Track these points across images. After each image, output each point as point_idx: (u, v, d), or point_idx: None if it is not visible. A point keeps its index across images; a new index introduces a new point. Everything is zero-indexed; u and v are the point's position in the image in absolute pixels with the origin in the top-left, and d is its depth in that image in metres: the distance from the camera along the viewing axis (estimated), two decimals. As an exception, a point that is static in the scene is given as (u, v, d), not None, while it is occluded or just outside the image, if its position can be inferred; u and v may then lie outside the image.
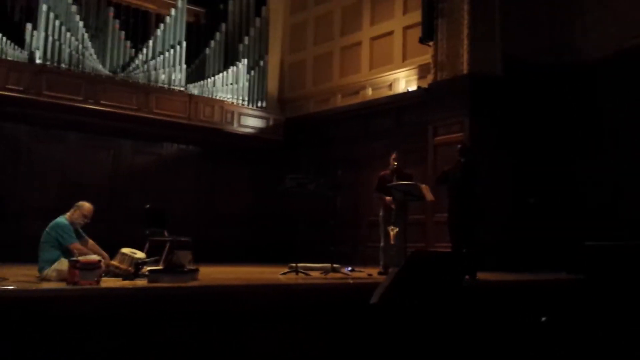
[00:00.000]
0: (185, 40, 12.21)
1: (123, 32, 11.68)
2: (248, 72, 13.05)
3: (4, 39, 10.20)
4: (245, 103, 12.99)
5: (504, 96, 9.53)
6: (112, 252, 6.01)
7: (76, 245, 5.68)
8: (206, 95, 12.46)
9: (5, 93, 10.01)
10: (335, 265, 7.17)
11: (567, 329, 5.90)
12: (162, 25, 12.07)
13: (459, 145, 7.78)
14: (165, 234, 7.79)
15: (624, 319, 5.98)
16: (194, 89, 12.33)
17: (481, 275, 6.67)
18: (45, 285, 5.03)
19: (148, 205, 8.33)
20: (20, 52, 10.38)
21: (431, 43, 10.24)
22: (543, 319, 5.57)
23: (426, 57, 10.58)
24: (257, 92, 13.18)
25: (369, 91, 12.25)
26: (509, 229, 9.14)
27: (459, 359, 5.04)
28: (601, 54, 9.34)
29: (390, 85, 11.83)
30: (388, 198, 7.65)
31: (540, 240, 9.03)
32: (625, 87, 9.03)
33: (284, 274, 6.88)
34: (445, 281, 4.51)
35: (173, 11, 12.18)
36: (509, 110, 9.53)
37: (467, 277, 6.15)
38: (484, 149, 9.05)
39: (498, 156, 9.23)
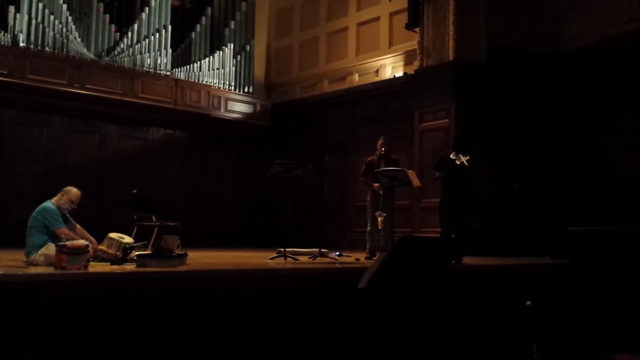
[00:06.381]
0: (171, 24, 12.10)
1: (107, 16, 11.55)
2: (234, 57, 12.99)
3: (-14, 21, 10.06)
4: (232, 88, 12.95)
5: (489, 83, 9.60)
6: (100, 237, 6.00)
7: (63, 230, 5.67)
8: (192, 80, 12.39)
9: (-11, 76, 9.89)
10: (323, 250, 7.19)
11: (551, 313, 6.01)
12: (147, 9, 11.93)
13: (454, 134, 7.74)
14: (153, 218, 7.78)
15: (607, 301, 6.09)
16: (180, 73, 12.26)
17: (467, 260, 6.75)
18: (33, 270, 5.01)
19: (135, 190, 8.33)
20: (4, 35, 10.23)
21: (417, 29, 10.24)
22: (528, 302, 5.67)
23: (412, 43, 10.58)
24: (243, 77, 13.14)
25: (356, 77, 12.24)
26: (495, 215, 9.24)
27: (445, 342, 5.13)
28: (583, 42, 9.43)
29: (376, 71, 11.83)
30: (375, 185, 7.67)
31: (527, 225, 9.14)
32: (607, 74, 9.13)
33: (272, 258, 6.89)
34: (432, 266, 4.57)
35: (158, -6, 12.07)
36: (494, 97, 9.61)
37: (452, 261, 6.23)
38: (470, 135, 9.11)
39: (484, 142, 9.30)
